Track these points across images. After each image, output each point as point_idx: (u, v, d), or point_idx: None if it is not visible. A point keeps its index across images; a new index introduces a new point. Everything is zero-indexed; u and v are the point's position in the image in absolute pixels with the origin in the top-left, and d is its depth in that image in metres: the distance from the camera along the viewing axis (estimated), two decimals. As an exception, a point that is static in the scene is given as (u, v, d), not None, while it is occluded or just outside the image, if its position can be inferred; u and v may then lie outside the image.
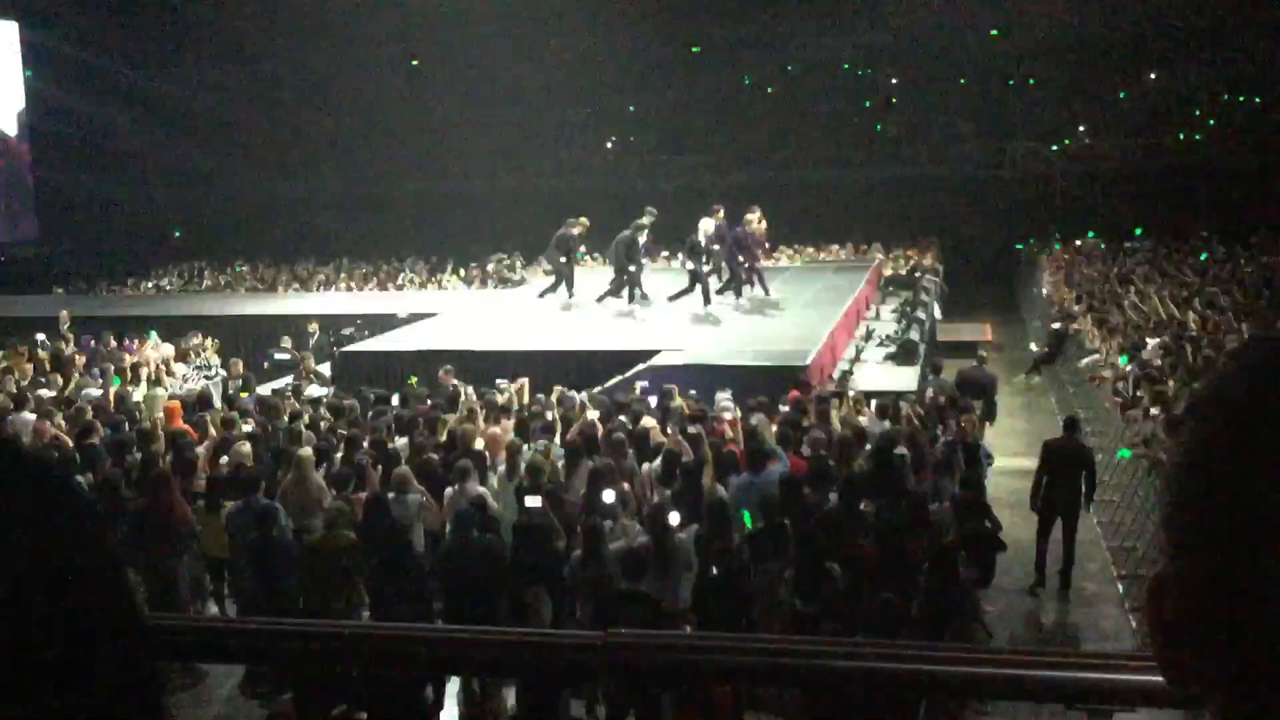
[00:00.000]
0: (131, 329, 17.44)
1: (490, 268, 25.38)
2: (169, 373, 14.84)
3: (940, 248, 26.44)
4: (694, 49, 35.49)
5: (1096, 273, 21.96)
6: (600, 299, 16.75)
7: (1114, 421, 12.55)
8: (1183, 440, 0.69)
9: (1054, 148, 31.65)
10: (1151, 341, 14.13)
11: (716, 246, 16.41)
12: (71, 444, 9.89)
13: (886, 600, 6.27)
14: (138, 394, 13.14)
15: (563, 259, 16.89)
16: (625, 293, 16.72)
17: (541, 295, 17.48)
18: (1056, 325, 18.09)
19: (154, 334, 16.74)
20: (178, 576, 8.12)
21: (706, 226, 16.18)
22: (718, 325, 15.58)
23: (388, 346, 15.38)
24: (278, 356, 16.59)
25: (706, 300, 16.16)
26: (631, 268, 16.42)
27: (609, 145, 35.07)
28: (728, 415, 10.05)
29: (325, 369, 15.16)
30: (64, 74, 30.99)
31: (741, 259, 16.55)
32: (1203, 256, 22.44)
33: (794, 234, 25.21)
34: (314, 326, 17.69)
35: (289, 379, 14.56)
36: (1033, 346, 18.19)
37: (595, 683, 6.04)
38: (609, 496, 7.77)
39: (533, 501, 7.86)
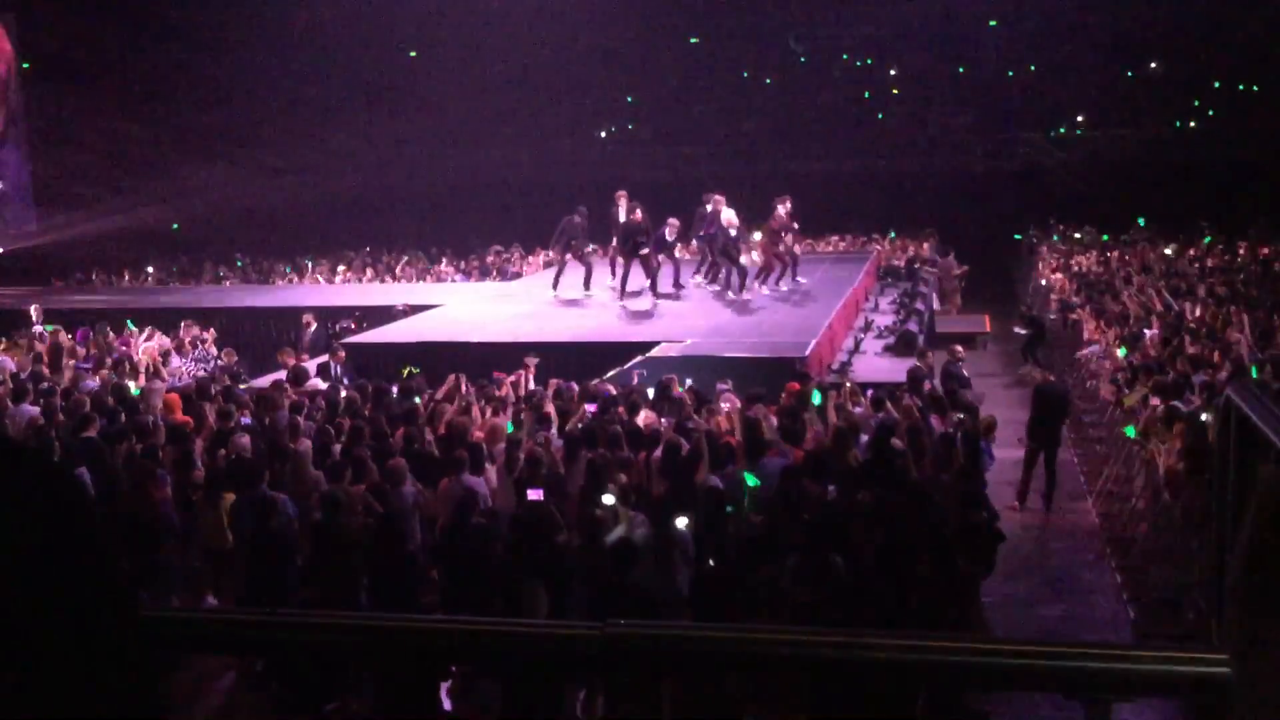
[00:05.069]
0: (130, 322, 17.39)
1: (488, 260, 25.37)
2: (165, 364, 14.80)
3: (938, 239, 26.43)
4: (692, 40, 35.42)
5: (1095, 263, 21.97)
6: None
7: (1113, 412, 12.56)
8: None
9: (1054, 134, 31.62)
10: (1150, 332, 14.13)
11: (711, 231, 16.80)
12: (70, 436, 9.88)
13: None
14: (134, 386, 13.11)
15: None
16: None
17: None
18: (1034, 313, 18.37)
19: (131, 324, 16.68)
20: (160, 570, 8.11)
21: (730, 216, 16.30)
22: (717, 317, 15.59)
23: (386, 339, 15.39)
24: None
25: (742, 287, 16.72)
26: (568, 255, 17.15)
27: (604, 136, 35.01)
28: (725, 406, 10.04)
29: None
30: (62, 65, 30.90)
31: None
32: (1207, 240, 22.46)
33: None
34: (309, 318, 17.64)
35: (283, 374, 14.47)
36: (1017, 329, 18.25)
37: (594, 674, 6.05)
38: (608, 499, 7.74)
39: (534, 494, 7.84)
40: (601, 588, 6.84)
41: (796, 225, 17.40)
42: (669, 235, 17.15)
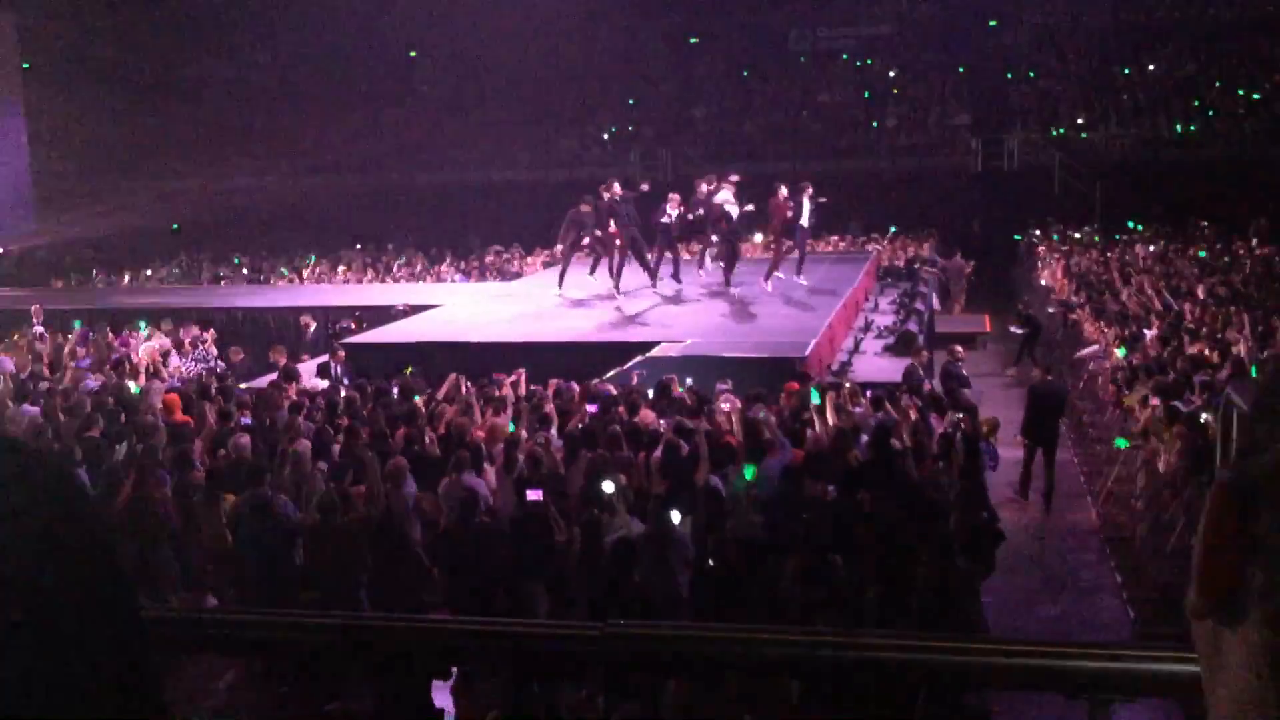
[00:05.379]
0: (129, 321, 17.41)
1: (488, 260, 25.36)
2: (165, 364, 14.81)
3: (939, 239, 26.42)
4: (691, 39, 35.43)
5: (1094, 263, 21.96)
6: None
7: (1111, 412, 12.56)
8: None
9: (1054, 134, 31.61)
10: (1149, 332, 14.13)
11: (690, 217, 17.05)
12: (70, 436, 9.87)
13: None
14: (134, 386, 13.10)
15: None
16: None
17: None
18: (1030, 312, 18.44)
19: (143, 325, 16.71)
20: (160, 570, 8.10)
21: (726, 196, 16.21)
22: (717, 317, 15.57)
23: (386, 339, 15.38)
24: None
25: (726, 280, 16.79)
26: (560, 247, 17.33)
27: (606, 136, 35.01)
28: (725, 406, 10.02)
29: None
30: (62, 65, 30.92)
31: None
32: (1201, 254, 22.45)
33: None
34: (307, 319, 17.62)
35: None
36: (1013, 329, 18.29)
37: (594, 674, 6.04)
38: (608, 487, 7.74)
39: (534, 494, 7.83)
40: (601, 588, 6.84)
41: (792, 204, 16.85)
42: (670, 209, 16.96)
